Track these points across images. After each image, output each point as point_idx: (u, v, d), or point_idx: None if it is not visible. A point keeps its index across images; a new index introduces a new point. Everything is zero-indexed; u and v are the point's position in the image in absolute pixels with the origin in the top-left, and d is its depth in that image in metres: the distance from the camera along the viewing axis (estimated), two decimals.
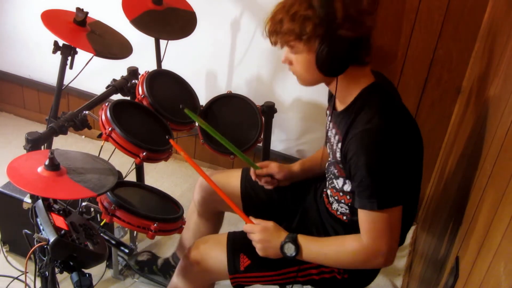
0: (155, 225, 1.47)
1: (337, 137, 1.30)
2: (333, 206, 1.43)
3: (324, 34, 1.15)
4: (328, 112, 1.45)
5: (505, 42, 1.40)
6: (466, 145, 1.60)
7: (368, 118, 1.19)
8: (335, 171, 1.37)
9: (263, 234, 1.33)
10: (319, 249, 1.32)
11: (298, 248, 1.30)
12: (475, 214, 1.17)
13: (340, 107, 1.32)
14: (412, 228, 2.38)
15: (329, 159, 1.44)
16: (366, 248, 1.24)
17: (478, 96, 1.64)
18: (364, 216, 1.23)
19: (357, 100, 1.25)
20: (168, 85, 1.89)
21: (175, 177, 2.70)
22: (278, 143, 2.50)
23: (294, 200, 1.62)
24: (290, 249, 1.30)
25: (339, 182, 1.36)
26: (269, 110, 2.02)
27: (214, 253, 1.46)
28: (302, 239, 1.32)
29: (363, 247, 1.24)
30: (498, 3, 1.74)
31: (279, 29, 1.20)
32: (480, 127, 1.42)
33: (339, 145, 1.27)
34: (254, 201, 1.64)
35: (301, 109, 2.40)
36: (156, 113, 1.74)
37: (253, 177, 1.59)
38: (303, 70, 1.25)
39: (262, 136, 1.94)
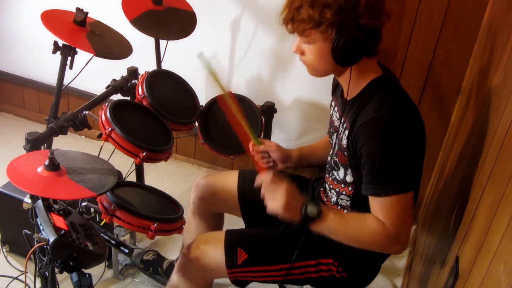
0: (155, 225, 1.48)
1: (345, 125, 1.30)
2: (333, 200, 1.43)
3: (342, 22, 1.14)
4: (333, 103, 1.44)
5: (504, 42, 1.40)
6: (466, 145, 1.60)
7: (378, 106, 1.19)
8: (337, 159, 1.36)
9: (291, 189, 1.24)
10: (340, 220, 1.27)
11: (321, 212, 1.24)
12: (475, 214, 1.17)
13: (348, 96, 1.32)
14: (412, 228, 2.38)
15: (331, 151, 1.43)
16: (388, 231, 1.21)
17: (478, 96, 1.64)
18: (378, 203, 1.22)
19: (366, 90, 1.26)
20: (168, 85, 1.89)
21: (175, 177, 2.70)
22: (278, 143, 2.50)
23: None
24: (313, 210, 1.22)
25: (340, 173, 1.36)
26: (269, 110, 2.02)
27: (212, 250, 1.46)
28: (324, 206, 1.27)
29: (385, 229, 1.21)
30: (498, 3, 1.74)
31: (297, 16, 1.17)
32: (480, 127, 1.41)
33: (346, 132, 1.27)
34: (251, 202, 1.64)
35: (301, 109, 2.40)
36: (156, 113, 1.74)
37: (250, 149, 1.53)
38: (316, 59, 1.23)
39: (262, 136, 1.94)
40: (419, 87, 2.15)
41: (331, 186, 1.44)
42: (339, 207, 1.42)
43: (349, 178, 1.34)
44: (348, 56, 1.19)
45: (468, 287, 1.02)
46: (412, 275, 1.99)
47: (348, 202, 1.38)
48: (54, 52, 1.75)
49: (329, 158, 1.47)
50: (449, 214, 1.52)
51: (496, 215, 0.97)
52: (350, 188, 1.36)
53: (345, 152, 1.29)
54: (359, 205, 1.35)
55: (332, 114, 1.44)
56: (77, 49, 1.75)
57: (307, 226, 1.25)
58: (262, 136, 1.92)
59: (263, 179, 1.26)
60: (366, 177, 1.23)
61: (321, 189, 1.53)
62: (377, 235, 1.24)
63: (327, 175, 1.47)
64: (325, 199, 1.49)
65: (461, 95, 2.06)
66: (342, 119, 1.34)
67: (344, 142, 1.29)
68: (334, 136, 1.40)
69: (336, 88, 1.43)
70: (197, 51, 2.42)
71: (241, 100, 1.94)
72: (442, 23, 2.00)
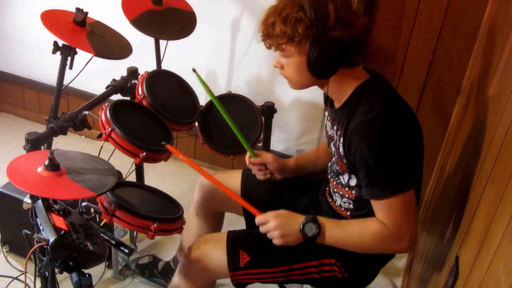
0: (154, 225, 1.47)
1: (339, 132, 1.31)
2: (337, 203, 1.44)
3: (315, 36, 1.17)
4: (326, 112, 1.46)
5: (504, 42, 1.40)
6: (465, 145, 1.60)
7: (368, 109, 1.20)
8: (338, 167, 1.38)
9: (279, 220, 1.29)
10: (341, 230, 1.29)
11: (319, 227, 1.27)
12: (475, 214, 1.17)
13: (337, 104, 1.33)
14: None
15: (333, 158, 1.44)
16: (389, 231, 1.23)
17: (478, 96, 1.64)
18: (378, 205, 1.24)
19: (353, 96, 1.27)
20: (168, 85, 1.89)
21: (175, 177, 2.70)
22: (278, 143, 2.50)
23: (295, 200, 1.62)
24: (311, 229, 1.27)
25: (344, 178, 1.38)
26: (269, 110, 2.02)
27: (214, 251, 1.46)
28: (322, 219, 1.29)
29: (387, 230, 1.24)
30: (498, 3, 1.73)
31: (272, 32, 1.21)
32: (479, 127, 1.41)
33: (341, 139, 1.28)
34: (254, 202, 1.63)
35: (301, 109, 2.40)
36: (156, 113, 1.74)
37: (247, 163, 1.58)
38: (294, 73, 1.27)
39: (262, 136, 1.94)
40: (419, 87, 2.15)
41: (335, 190, 1.45)
42: (342, 209, 1.43)
43: (353, 182, 1.35)
44: (323, 68, 1.21)
45: (468, 287, 1.02)
46: (412, 275, 1.99)
47: (351, 205, 1.39)
48: (54, 52, 1.75)
49: (331, 165, 1.49)
50: (449, 214, 1.52)
51: (496, 215, 0.97)
52: (353, 192, 1.37)
53: (344, 160, 1.30)
54: (362, 207, 1.35)
55: (326, 123, 1.45)
56: (77, 49, 1.75)
57: (311, 243, 1.29)
58: (262, 136, 1.92)
59: (260, 220, 1.32)
60: (363, 181, 1.25)
61: (327, 189, 1.53)
62: (379, 237, 1.25)
63: (331, 180, 1.48)
64: (330, 200, 1.49)
65: (461, 95, 2.06)
66: (335, 127, 1.35)
67: (341, 149, 1.30)
68: (332, 145, 1.42)
69: (327, 98, 1.45)
70: (197, 51, 2.44)
71: (241, 100, 1.94)
72: (442, 23, 2.00)
